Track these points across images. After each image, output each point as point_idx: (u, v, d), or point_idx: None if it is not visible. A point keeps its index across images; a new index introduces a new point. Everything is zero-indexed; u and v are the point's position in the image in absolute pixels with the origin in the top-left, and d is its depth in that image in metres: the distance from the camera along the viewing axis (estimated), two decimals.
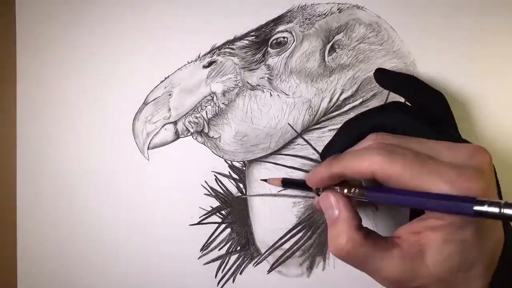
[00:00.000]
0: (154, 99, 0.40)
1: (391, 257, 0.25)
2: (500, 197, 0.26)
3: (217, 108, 0.40)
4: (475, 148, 0.25)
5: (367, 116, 0.31)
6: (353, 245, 0.26)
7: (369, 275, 0.27)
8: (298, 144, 0.40)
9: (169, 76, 0.41)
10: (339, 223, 0.27)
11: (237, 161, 0.40)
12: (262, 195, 0.40)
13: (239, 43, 0.40)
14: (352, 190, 0.28)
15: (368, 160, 0.25)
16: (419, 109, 0.33)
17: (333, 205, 0.27)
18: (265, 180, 0.37)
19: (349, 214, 0.27)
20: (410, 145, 0.26)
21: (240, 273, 0.40)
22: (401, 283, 0.25)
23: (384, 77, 0.36)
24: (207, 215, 0.40)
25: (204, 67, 0.40)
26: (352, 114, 0.39)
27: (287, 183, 0.35)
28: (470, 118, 0.38)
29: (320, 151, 0.39)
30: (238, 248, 0.40)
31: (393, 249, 0.25)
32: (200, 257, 0.40)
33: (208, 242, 0.40)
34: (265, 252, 0.40)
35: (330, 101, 0.39)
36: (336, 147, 0.31)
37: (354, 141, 0.29)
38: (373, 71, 0.36)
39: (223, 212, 0.40)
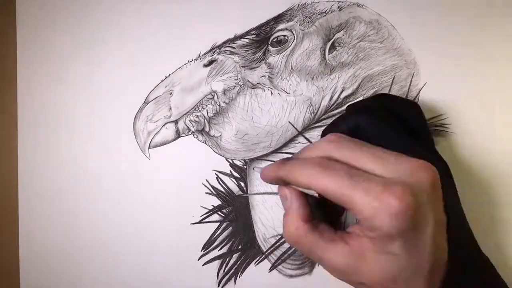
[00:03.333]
0: (155, 98, 0.40)
1: (336, 249, 0.27)
2: (448, 215, 0.26)
3: (217, 106, 0.40)
4: (418, 165, 0.26)
5: (342, 119, 0.33)
6: (299, 233, 0.28)
7: (317, 262, 0.29)
8: (299, 143, 0.40)
9: (169, 75, 0.41)
10: (290, 213, 0.29)
11: (238, 160, 0.40)
12: (263, 193, 0.40)
13: (239, 42, 0.40)
14: None
15: (305, 173, 0.27)
16: (392, 116, 0.33)
17: (287, 197, 0.30)
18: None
19: (299, 205, 0.29)
20: (353, 154, 0.27)
21: (242, 272, 0.40)
22: (345, 275, 0.27)
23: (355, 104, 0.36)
24: (208, 214, 0.40)
25: (205, 65, 0.40)
26: None
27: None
28: (467, 113, 0.38)
29: None
30: (240, 247, 0.40)
31: (339, 243, 0.27)
32: (201, 256, 0.40)
33: (210, 241, 0.40)
34: (266, 251, 0.40)
35: (330, 99, 0.39)
36: None
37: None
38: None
39: (224, 210, 0.40)
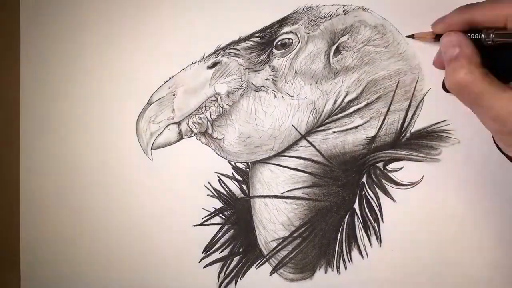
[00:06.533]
0: (158, 99, 0.40)
1: (506, 97, 0.26)
2: None
3: (221, 109, 0.40)
4: None
5: None
6: (472, 78, 0.27)
7: (477, 112, 0.29)
8: (302, 146, 0.39)
9: (173, 76, 0.41)
10: (460, 58, 0.28)
11: (241, 162, 0.40)
12: (265, 196, 0.40)
13: (244, 44, 0.40)
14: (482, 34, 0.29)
15: (506, 6, 0.26)
16: None
17: (455, 43, 0.29)
18: (412, 36, 0.36)
19: (472, 50, 0.28)
20: None
21: (242, 275, 0.40)
22: (505, 124, 0.27)
23: None
24: (210, 216, 0.40)
25: (209, 67, 0.40)
26: (356, 116, 0.39)
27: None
28: (471, 120, 0.38)
29: (324, 153, 0.39)
30: (241, 249, 0.40)
31: (509, 91, 0.26)
32: (202, 258, 0.40)
33: (211, 243, 0.40)
34: (267, 254, 0.40)
35: (334, 103, 0.39)
36: None
37: None
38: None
39: (226, 213, 0.40)
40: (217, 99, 0.40)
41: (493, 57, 0.30)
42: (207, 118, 0.40)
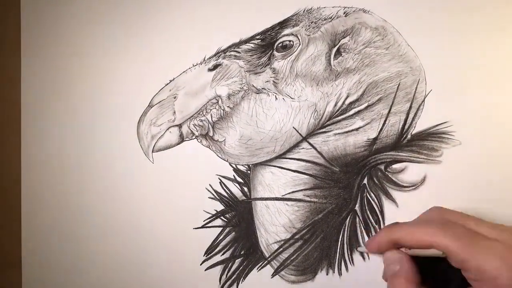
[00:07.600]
0: (159, 102, 0.40)
1: None
2: None
3: (222, 111, 0.40)
4: None
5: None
6: None
7: None
8: (303, 148, 0.39)
9: (174, 78, 0.41)
10: (400, 276, 0.30)
11: (242, 165, 0.40)
12: (266, 199, 0.40)
13: (244, 46, 0.40)
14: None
15: (425, 231, 0.28)
16: None
17: (396, 260, 0.30)
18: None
19: (411, 269, 0.30)
20: (467, 222, 0.29)
21: (244, 277, 0.40)
22: None
23: None
24: (211, 219, 0.40)
25: (210, 70, 0.40)
26: (357, 118, 0.39)
27: None
28: (472, 121, 0.38)
29: (325, 155, 0.39)
30: (242, 252, 0.40)
31: None
32: (204, 260, 0.40)
33: (212, 245, 0.40)
34: (269, 256, 0.39)
35: (335, 105, 0.39)
36: None
37: None
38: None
39: (227, 215, 0.40)
40: (218, 101, 0.40)
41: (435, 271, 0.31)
42: (208, 120, 0.40)
